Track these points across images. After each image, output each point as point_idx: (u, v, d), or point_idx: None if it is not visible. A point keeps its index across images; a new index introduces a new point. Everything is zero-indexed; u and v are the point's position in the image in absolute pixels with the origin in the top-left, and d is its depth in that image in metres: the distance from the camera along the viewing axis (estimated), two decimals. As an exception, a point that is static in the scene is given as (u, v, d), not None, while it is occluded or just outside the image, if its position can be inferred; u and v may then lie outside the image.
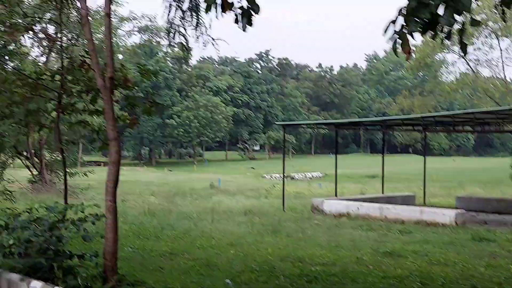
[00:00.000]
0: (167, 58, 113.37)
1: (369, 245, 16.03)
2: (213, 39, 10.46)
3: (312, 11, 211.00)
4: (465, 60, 56.11)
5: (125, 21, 49.22)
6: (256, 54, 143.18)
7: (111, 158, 9.14)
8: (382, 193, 33.59)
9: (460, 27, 5.45)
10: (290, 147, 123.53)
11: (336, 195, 30.96)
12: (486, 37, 54.11)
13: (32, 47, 32.13)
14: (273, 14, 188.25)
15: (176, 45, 11.22)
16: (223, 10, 6.20)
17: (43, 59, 33.58)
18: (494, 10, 52.65)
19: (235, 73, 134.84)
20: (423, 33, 5.24)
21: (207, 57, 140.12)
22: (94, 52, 9.43)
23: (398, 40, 5.34)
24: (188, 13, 10.55)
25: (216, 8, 6.18)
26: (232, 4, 6.18)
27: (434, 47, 55.06)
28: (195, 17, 10.43)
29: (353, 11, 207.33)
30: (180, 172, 77.63)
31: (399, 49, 5.38)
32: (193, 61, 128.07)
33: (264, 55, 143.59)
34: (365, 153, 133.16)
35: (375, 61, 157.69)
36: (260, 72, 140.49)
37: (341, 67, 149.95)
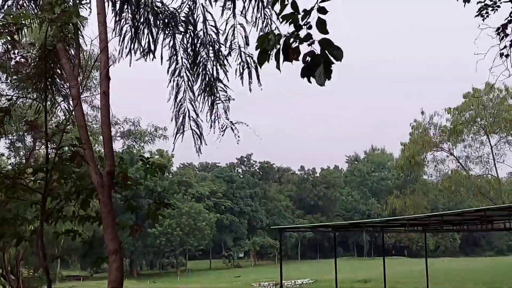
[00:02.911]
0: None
1: None
2: (232, 123, 8.58)
3: (288, 117, 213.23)
4: (455, 157, 55.13)
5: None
6: (237, 159, 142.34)
7: (111, 276, 6.99)
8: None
9: None
10: (276, 252, 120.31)
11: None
12: (475, 133, 53.40)
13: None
14: (251, 120, 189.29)
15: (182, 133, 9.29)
16: (287, 59, 4.34)
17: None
18: (481, 106, 52.49)
19: (217, 178, 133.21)
20: None
21: (188, 163, 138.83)
22: (89, 141, 7.49)
23: None
24: (202, 95, 8.76)
25: (278, 57, 4.34)
26: (299, 50, 4.33)
27: (423, 146, 54.12)
28: (211, 98, 8.62)
29: (328, 115, 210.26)
30: (164, 284, 74.27)
31: None
32: (173, 167, 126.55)
33: (246, 159, 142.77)
34: (353, 257, 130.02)
35: (356, 162, 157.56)
36: (242, 176, 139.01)
37: (322, 169, 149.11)
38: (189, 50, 8.24)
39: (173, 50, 8.70)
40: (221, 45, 7.93)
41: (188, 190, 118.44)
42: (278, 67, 4.42)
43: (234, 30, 7.75)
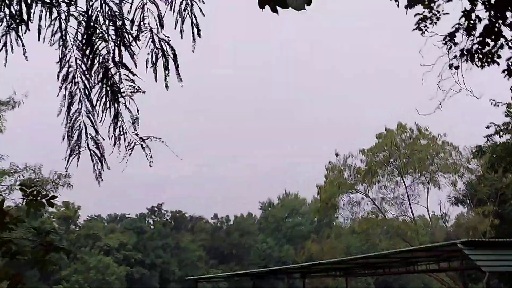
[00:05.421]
0: (53, 218, 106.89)
1: None
2: (141, 139, 6.64)
3: (198, 163, 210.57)
4: (370, 199, 54.59)
5: (6, 175, 44.25)
6: (148, 209, 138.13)
7: None
8: None
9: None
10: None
11: None
12: (389, 174, 53.23)
13: None
14: (162, 168, 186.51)
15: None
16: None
17: None
18: (394, 146, 52.52)
19: (126, 230, 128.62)
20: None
21: (95, 215, 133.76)
22: None
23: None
24: (101, 103, 6.79)
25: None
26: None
27: (338, 187, 53.43)
28: (114, 107, 6.65)
29: (238, 161, 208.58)
30: None
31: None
32: (80, 220, 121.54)
33: (157, 209, 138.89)
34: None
35: (269, 208, 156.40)
36: (153, 227, 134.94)
37: (236, 216, 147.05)
38: (81, 35, 6.24)
39: (63, 48, 6.72)
40: (126, 20, 6.00)
41: (96, 243, 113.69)
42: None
43: (143, 8, 5.91)
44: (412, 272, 35.78)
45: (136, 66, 6.17)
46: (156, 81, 6.00)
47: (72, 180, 50.61)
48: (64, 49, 6.80)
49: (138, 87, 6.18)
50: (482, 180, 48.09)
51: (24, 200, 6.91)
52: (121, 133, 6.76)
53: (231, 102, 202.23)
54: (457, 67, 9.78)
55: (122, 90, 6.38)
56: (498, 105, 23.38)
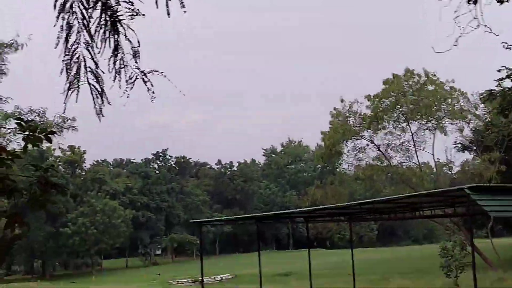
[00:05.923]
0: (60, 162, 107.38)
1: None
2: (143, 73, 6.29)
3: (204, 112, 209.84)
4: (376, 145, 54.15)
5: (10, 119, 44.08)
6: (153, 154, 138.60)
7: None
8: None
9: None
10: (194, 248, 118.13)
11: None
12: (395, 120, 52.66)
13: None
14: (167, 115, 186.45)
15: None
16: None
17: None
18: (401, 92, 51.87)
19: (132, 174, 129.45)
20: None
21: (101, 160, 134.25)
22: None
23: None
24: (100, 33, 6.41)
25: None
26: None
27: (343, 134, 53.00)
28: (114, 38, 6.28)
29: (244, 108, 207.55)
30: (79, 284, 71.00)
31: None
32: (86, 164, 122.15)
33: (162, 154, 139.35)
34: (271, 250, 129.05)
35: (273, 155, 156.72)
36: (158, 172, 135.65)
37: (240, 163, 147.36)
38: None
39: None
40: None
41: (102, 187, 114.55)
42: None
43: None
44: (417, 218, 35.72)
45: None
46: (157, 7, 5.63)
47: (77, 124, 50.55)
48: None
49: (138, 9, 5.78)
50: (490, 126, 47.62)
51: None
52: (122, 66, 6.41)
53: (238, 48, 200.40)
54: (475, 2, 9.25)
55: (119, 14, 5.98)
56: (510, 48, 22.81)
